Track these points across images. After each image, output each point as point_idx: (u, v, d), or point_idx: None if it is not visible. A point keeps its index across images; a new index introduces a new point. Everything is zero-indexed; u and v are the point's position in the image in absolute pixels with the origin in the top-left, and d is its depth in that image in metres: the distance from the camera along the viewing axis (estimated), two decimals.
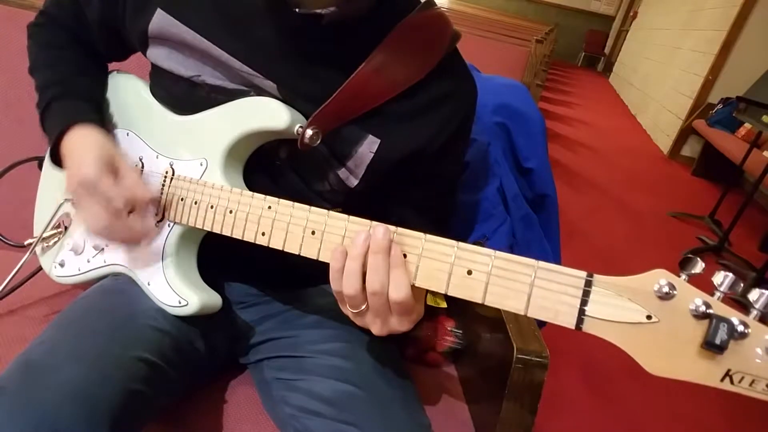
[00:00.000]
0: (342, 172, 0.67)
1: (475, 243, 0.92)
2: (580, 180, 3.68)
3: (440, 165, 0.70)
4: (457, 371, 0.87)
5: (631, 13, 9.99)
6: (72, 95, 0.70)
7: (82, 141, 0.64)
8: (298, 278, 0.77)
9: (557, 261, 1.06)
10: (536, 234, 1.03)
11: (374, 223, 0.51)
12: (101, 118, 0.72)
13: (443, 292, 0.48)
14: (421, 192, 0.72)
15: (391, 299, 0.49)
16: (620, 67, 9.22)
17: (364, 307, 0.51)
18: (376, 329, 0.53)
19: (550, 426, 1.44)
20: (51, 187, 0.80)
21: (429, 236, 0.48)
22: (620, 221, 3.11)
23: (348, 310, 0.54)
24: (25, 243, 0.78)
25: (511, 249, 0.94)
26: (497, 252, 0.45)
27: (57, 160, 0.67)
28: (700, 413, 1.63)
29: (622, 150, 4.89)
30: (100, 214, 0.60)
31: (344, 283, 0.50)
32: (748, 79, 2.93)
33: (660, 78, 6.07)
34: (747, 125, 3.61)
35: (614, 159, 4.49)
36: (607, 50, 11.78)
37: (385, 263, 0.49)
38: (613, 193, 3.58)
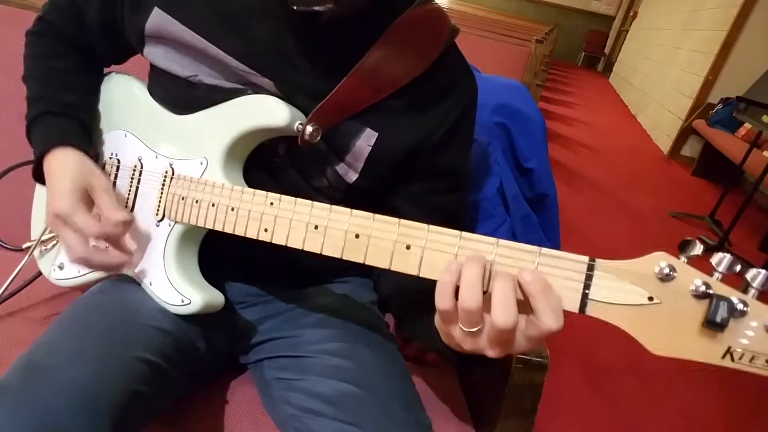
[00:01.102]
0: (341, 168, 0.67)
1: None
2: (580, 180, 3.68)
3: (441, 159, 0.69)
4: (457, 371, 0.87)
5: (631, 13, 9.99)
6: (59, 110, 0.70)
7: (60, 167, 0.65)
8: (300, 278, 0.77)
9: None
10: (536, 234, 1.03)
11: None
12: (87, 132, 0.73)
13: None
14: (422, 188, 0.71)
15: (546, 331, 0.43)
16: (620, 67, 9.22)
17: (479, 327, 0.45)
18: (493, 354, 0.46)
19: (550, 426, 1.44)
20: None
21: (432, 227, 0.48)
22: (620, 221, 3.11)
23: (456, 331, 0.47)
24: (24, 246, 0.78)
25: None
26: (500, 240, 0.46)
27: (41, 178, 0.68)
28: (700, 411, 1.63)
29: (622, 150, 4.89)
30: (77, 245, 0.62)
31: (465, 295, 0.44)
32: (748, 79, 2.94)
33: (660, 78, 6.07)
34: (747, 125, 3.61)
35: (614, 159, 4.50)
36: (607, 50, 11.78)
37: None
38: (613, 193, 3.58)
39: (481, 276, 0.44)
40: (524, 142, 1.04)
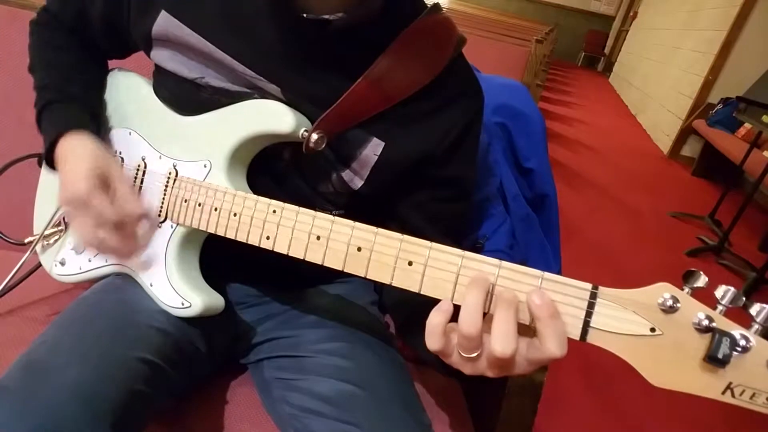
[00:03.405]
0: (346, 174, 0.67)
1: (475, 243, 0.91)
2: (580, 180, 3.68)
3: (446, 169, 0.69)
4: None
5: (631, 13, 9.99)
6: (68, 100, 0.70)
7: (75, 151, 0.64)
8: (299, 279, 0.77)
9: (557, 261, 1.06)
10: (536, 234, 1.03)
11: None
12: (96, 123, 0.72)
13: (449, 300, 0.48)
14: (426, 196, 0.70)
15: (549, 357, 0.43)
16: (620, 67, 9.22)
17: (478, 353, 0.45)
18: (493, 375, 0.46)
19: (550, 426, 1.44)
20: (51, 185, 0.80)
21: (435, 245, 0.48)
22: (620, 221, 3.11)
23: (454, 358, 0.46)
24: (26, 241, 0.78)
25: (511, 249, 0.94)
26: (503, 262, 0.45)
27: (52, 163, 0.67)
28: (699, 413, 1.63)
29: (622, 150, 4.89)
30: (92, 229, 0.60)
31: (467, 322, 0.43)
32: (748, 79, 2.93)
33: (660, 78, 6.07)
34: (747, 125, 3.61)
35: (614, 159, 4.50)
36: (607, 50, 11.78)
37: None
38: (613, 193, 3.58)
39: (483, 301, 0.44)
40: (524, 142, 1.04)
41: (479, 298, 0.43)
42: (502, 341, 0.42)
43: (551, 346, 0.42)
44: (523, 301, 0.44)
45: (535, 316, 0.42)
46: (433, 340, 0.45)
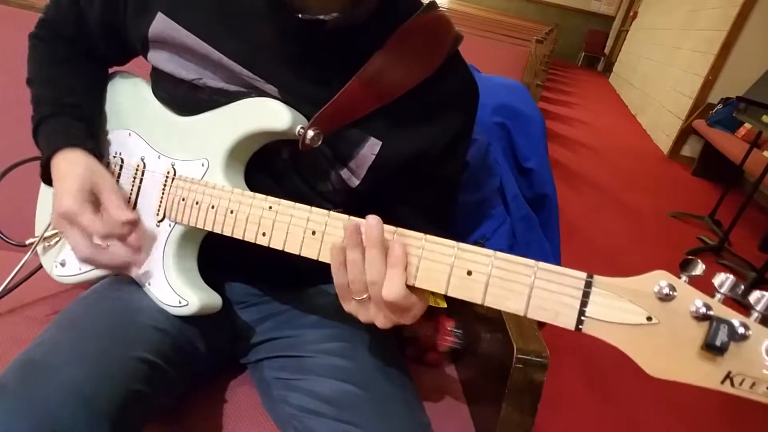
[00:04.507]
0: (344, 173, 0.68)
1: (474, 243, 0.91)
2: (580, 180, 3.68)
3: (441, 167, 0.70)
4: (457, 371, 0.87)
5: (631, 13, 9.99)
6: (63, 114, 0.70)
7: (66, 168, 0.66)
8: (299, 278, 0.77)
9: (557, 261, 1.06)
10: (536, 234, 1.03)
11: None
12: (93, 133, 0.72)
13: (443, 292, 0.48)
14: (422, 193, 0.72)
15: (384, 297, 0.49)
16: (620, 67, 9.22)
17: (366, 296, 0.52)
18: (381, 321, 0.53)
19: (550, 426, 1.44)
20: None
21: (429, 237, 0.48)
22: (620, 221, 3.11)
23: (352, 305, 0.54)
24: (27, 242, 0.78)
25: (511, 249, 0.94)
26: (497, 253, 0.45)
27: (49, 181, 0.68)
28: (700, 411, 1.63)
29: (622, 150, 4.89)
30: (83, 244, 0.62)
31: (348, 269, 0.51)
32: (748, 79, 2.93)
33: (660, 78, 6.07)
34: (747, 125, 3.61)
35: (614, 159, 4.50)
36: (607, 50, 11.78)
37: (380, 256, 0.50)
38: (613, 193, 3.58)
39: (362, 255, 0.51)
40: (524, 142, 1.04)
41: (358, 254, 0.51)
42: (371, 268, 0.50)
43: (384, 293, 0.49)
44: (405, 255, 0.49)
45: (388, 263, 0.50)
46: (337, 276, 0.52)
